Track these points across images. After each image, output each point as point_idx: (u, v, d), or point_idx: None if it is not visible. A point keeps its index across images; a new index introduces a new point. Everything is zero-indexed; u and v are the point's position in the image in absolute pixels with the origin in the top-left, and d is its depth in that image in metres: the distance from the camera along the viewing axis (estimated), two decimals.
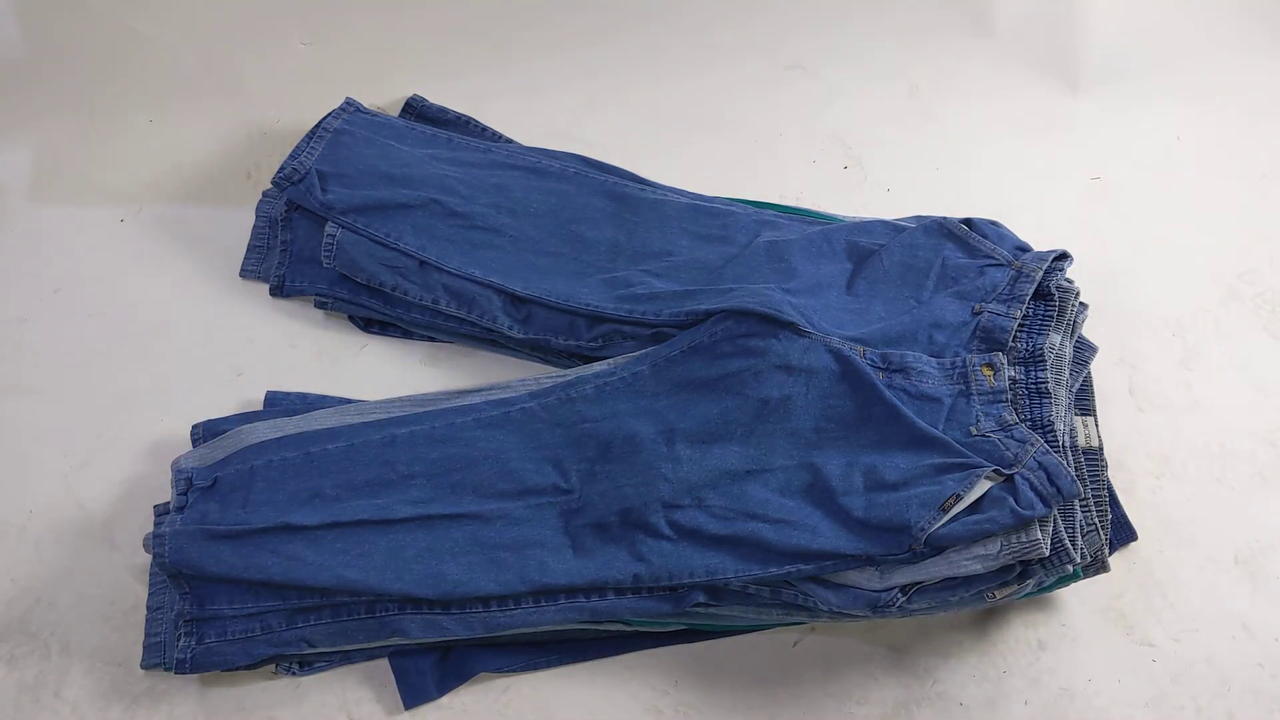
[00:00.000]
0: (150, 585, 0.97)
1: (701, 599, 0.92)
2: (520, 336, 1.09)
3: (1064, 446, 0.93)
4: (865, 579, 0.89)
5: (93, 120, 1.28)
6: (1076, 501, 0.91)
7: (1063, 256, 1.02)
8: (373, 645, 0.95)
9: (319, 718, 0.94)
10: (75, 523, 1.03)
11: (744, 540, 0.91)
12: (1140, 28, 1.41)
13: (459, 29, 1.35)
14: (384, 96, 1.28)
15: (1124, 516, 1.04)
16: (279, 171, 1.12)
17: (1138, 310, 1.19)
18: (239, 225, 1.20)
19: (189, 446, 1.03)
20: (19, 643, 0.97)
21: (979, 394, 0.94)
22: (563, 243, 1.13)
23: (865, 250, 1.07)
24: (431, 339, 1.15)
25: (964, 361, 0.96)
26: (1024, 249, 1.04)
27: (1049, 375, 0.95)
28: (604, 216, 1.15)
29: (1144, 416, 1.12)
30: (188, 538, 0.92)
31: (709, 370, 0.99)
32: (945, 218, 1.08)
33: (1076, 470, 0.95)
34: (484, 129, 1.26)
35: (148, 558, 0.99)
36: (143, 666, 0.94)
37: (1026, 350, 0.97)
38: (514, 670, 0.97)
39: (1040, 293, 1.00)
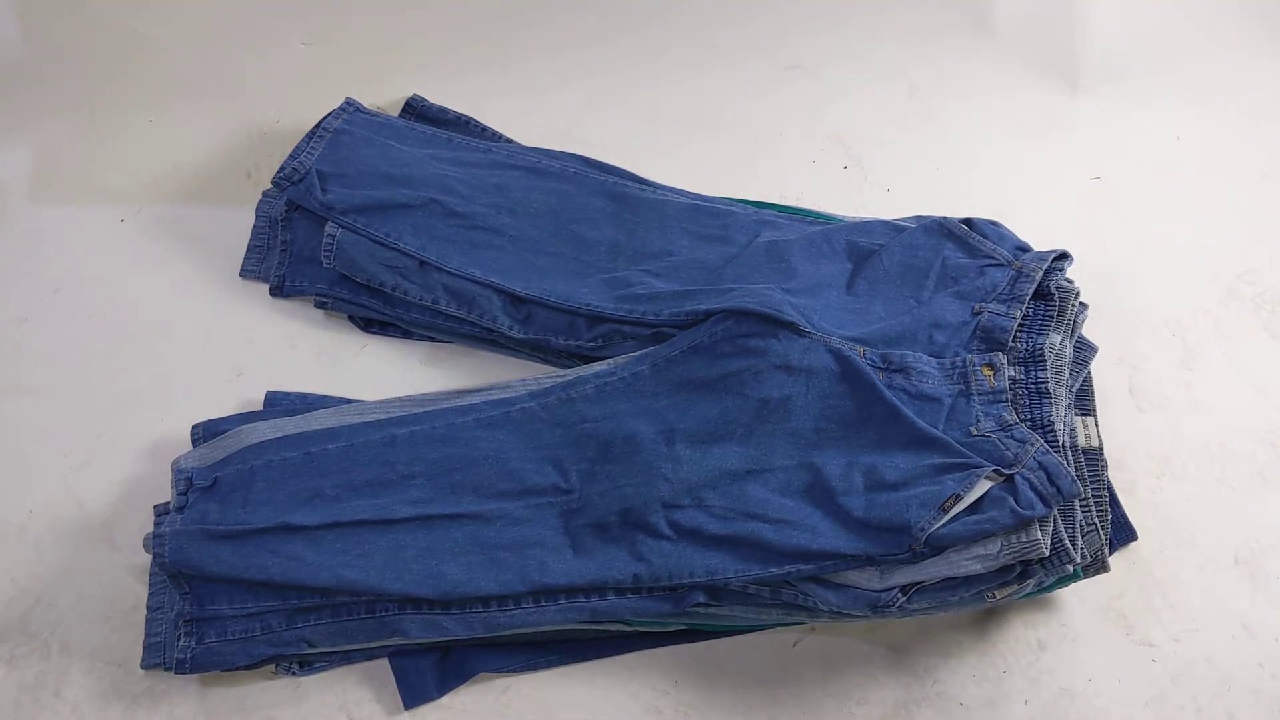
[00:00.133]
0: (150, 585, 0.97)
1: (701, 599, 0.92)
2: (520, 336, 1.09)
3: (1064, 446, 0.93)
4: (865, 579, 0.89)
5: (93, 120, 1.28)
6: (1076, 501, 0.91)
7: (1063, 256, 1.02)
8: (373, 645, 0.95)
9: (319, 718, 0.94)
10: (75, 523, 1.03)
11: (744, 540, 0.91)
12: (1140, 28, 1.41)
13: (459, 29, 1.35)
14: (384, 96, 1.28)
15: (1124, 516, 1.04)
16: (279, 171, 1.12)
17: (1138, 310, 1.19)
18: (239, 225, 1.20)
19: (189, 446, 1.03)
20: (19, 643, 0.97)
21: (979, 394, 0.94)
22: (563, 243, 1.13)
23: (865, 250, 1.07)
24: (431, 339, 1.15)
25: (964, 361, 0.96)
26: (1024, 249, 1.04)
27: (1049, 375, 0.95)
28: (604, 216, 1.15)
29: (1144, 416, 1.12)
30: (188, 538, 0.92)
31: (709, 370, 0.99)
32: (945, 218, 1.08)
33: (1076, 470, 0.95)
34: (484, 129, 1.26)
35: (148, 558, 0.99)
36: (143, 666, 0.94)
37: (1026, 350, 0.97)
38: (514, 670, 0.97)
39: (1040, 293, 1.00)
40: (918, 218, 1.10)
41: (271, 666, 0.96)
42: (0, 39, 1.27)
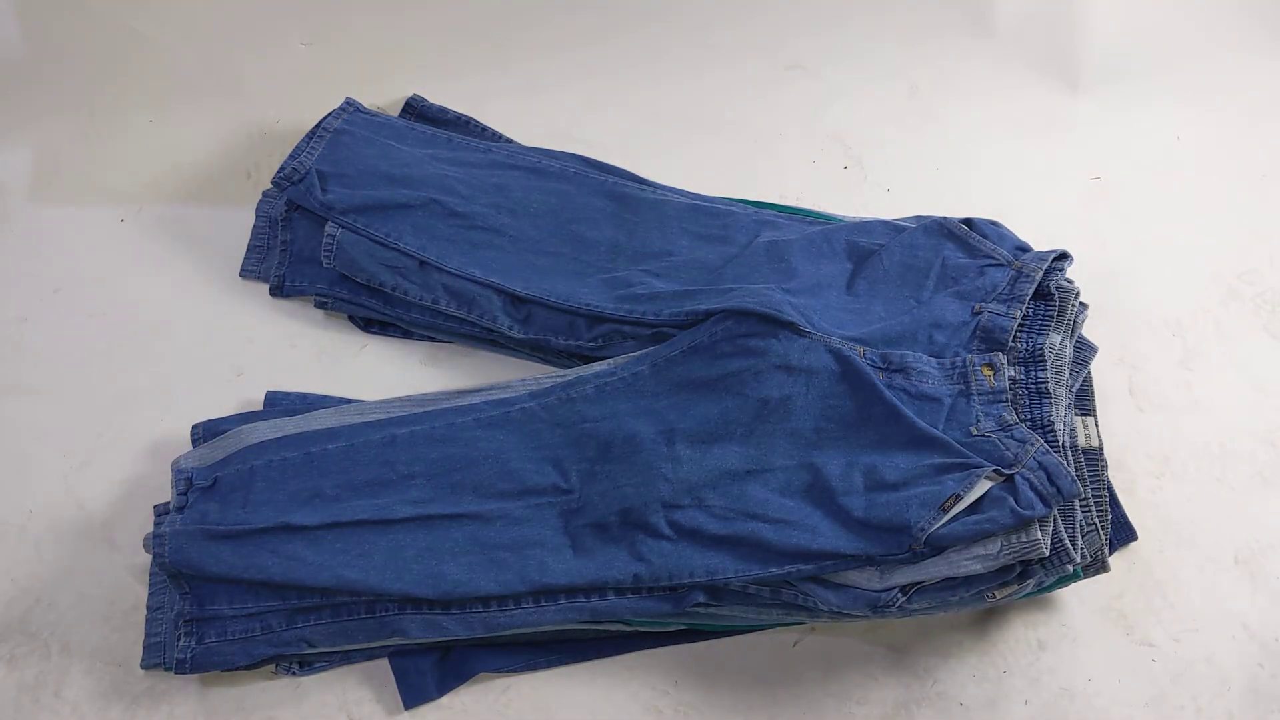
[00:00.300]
0: (150, 585, 0.97)
1: (701, 599, 0.92)
2: (520, 336, 1.09)
3: (1064, 446, 0.93)
4: (865, 579, 0.89)
5: (93, 120, 1.28)
6: (1076, 501, 0.91)
7: (1063, 256, 1.02)
8: (373, 645, 0.95)
9: (319, 718, 0.94)
10: (75, 523, 1.03)
11: (744, 540, 0.91)
12: (1140, 28, 1.41)
13: (459, 29, 1.35)
14: (384, 96, 1.28)
15: (1124, 516, 1.04)
16: (279, 171, 1.12)
17: (1138, 310, 1.19)
18: (239, 225, 1.20)
19: (189, 446, 1.03)
20: (19, 643, 0.97)
21: (979, 394, 0.94)
22: (563, 243, 1.13)
23: (865, 250, 1.07)
24: (431, 339, 1.15)
25: (964, 361, 0.96)
26: (1024, 249, 1.04)
27: (1049, 375, 0.95)
28: (604, 216, 1.15)
29: (1144, 416, 1.12)
30: (188, 538, 0.92)
31: (709, 370, 0.99)
32: (945, 218, 1.08)
33: (1076, 470, 0.95)
34: (484, 129, 1.26)
35: (148, 558, 0.99)
36: (143, 666, 0.94)
37: (1026, 350, 0.97)
38: (514, 670, 0.97)
39: (1040, 293, 1.00)
40: (918, 218, 1.10)
41: (271, 666, 0.96)
42: (0, 39, 1.27)
